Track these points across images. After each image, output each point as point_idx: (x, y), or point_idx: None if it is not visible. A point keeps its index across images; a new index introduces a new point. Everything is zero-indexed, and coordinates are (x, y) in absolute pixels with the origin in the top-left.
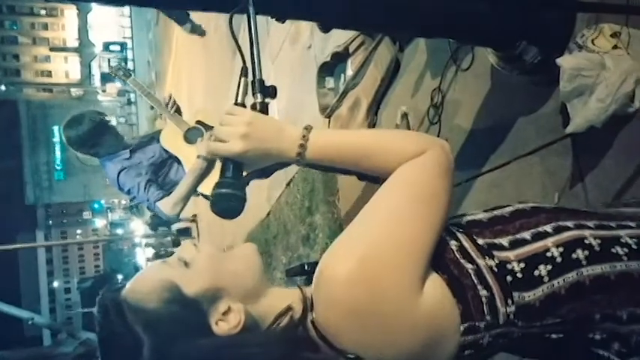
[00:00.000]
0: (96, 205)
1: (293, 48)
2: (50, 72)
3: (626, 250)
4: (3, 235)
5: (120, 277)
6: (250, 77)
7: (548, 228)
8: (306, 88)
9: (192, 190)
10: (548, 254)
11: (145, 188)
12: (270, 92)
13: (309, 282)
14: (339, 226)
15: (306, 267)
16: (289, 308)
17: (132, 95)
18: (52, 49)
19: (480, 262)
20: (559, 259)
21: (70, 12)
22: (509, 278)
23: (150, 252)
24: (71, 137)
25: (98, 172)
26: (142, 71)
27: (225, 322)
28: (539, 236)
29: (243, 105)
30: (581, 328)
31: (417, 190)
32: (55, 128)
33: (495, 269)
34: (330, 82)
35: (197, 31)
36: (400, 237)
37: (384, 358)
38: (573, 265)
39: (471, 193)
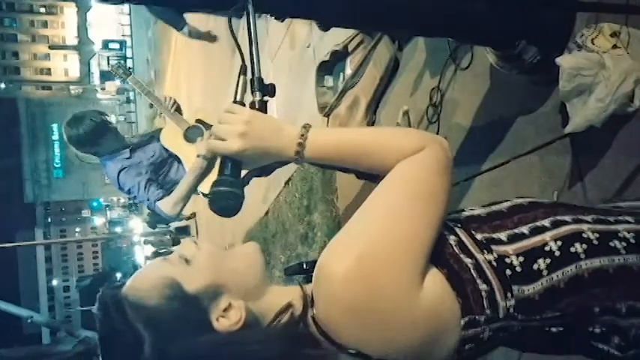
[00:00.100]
0: (95, 203)
1: (292, 47)
2: (49, 70)
3: (624, 244)
4: (2, 233)
5: (119, 275)
6: (249, 75)
7: (546, 222)
8: (304, 87)
9: (193, 190)
10: (547, 248)
11: (145, 188)
12: (269, 90)
13: (308, 281)
14: (338, 225)
15: (304, 266)
16: (290, 305)
17: (131, 93)
18: (51, 47)
19: (479, 256)
20: (557, 253)
21: (70, 10)
22: (508, 272)
23: (149, 250)
24: (72, 136)
25: (97, 170)
26: (141, 69)
27: (226, 319)
28: (537, 230)
29: (242, 103)
30: (580, 322)
31: (416, 187)
32: (54, 126)
33: (494, 263)
34: (328, 80)
35: (197, 35)
36: (398, 234)
37: (385, 353)
38: (572, 259)
39: (470, 192)
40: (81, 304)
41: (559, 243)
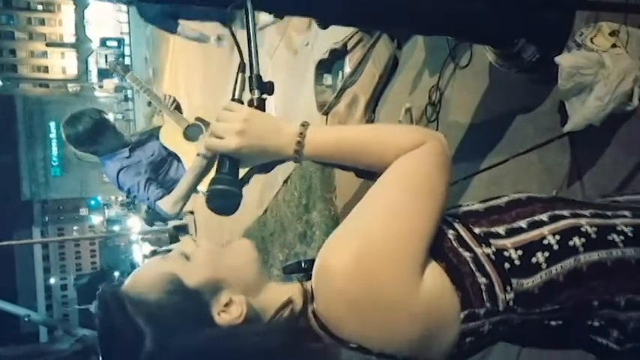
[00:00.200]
0: (93, 202)
1: (290, 46)
2: (47, 67)
3: (622, 237)
4: None
5: (117, 273)
6: (248, 73)
7: (544, 217)
8: (303, 85)
9: (193, 189)
10: (545, 242)
11: (144, 187)
12: (268, 88)
13: (306, 279)
14: (336, 224)
15: (303, 264)
16: (290, 301)
17: (129, 91)
18: (48, 45)
19: (478, 250)
20: (556, 247)
21: (67, 7)
22: (507, 265)
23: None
24: (71, 135)
25: (95, 169)
26: (139, 67)
27: (227, 314)
28: (535, 225)
29: (240, 101)
30: (580, 315)
31: (415, 182)
32: (52, 124)
33: (493, 257)
34: (327, 79)
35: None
36: (397, 230)
37: (385, 347)
38: (570, 252)
39: (469, 190)
40: (78, 303)
41: (557, 237)
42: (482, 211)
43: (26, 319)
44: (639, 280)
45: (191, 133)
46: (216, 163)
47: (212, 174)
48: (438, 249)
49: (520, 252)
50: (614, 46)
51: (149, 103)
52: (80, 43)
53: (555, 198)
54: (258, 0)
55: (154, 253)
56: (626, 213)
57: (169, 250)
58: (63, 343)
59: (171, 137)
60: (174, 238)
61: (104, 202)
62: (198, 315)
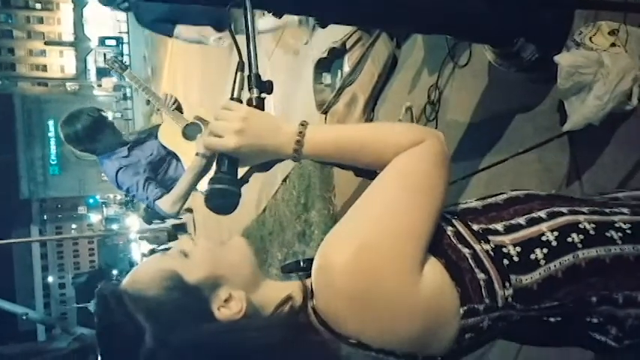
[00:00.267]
0: (91, 200)
1: (289, 45)
2: (45, 66)
3: (620, 234)
4: None
5: (115, 272)
6: (247, 72)
7: (542, 214)
8: (302, 84)
9: (192, 188)
10: (544, 238)
11: (143, 187)
12: (267, 87)
13: (306, 277)
14: (335, 223)
15: (301, 263)
16: (290, 297)
17: (128, 90)
18: (47, 43)
19: (477, 246)
20: (554, 243)
21: (66, 6)
22: (505, 262)
23: (145, 247)
24: (70, 134)
25: (94, 167)
26: (138, 66)
27: (227, 309)
28: (533, 221)
29: (239, 100)
30: (578, 312)
31: (413, 179)
32: (51, 122)
33: (492, 253)
34: (326, 78)
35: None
36: (397, 227)
37: (385, 343)
38: (569, 249)
39: (468, 190)
40: (77, 301)
41: (556, 233)
42: (481, 208)
43: (24, 317)
44: (637, 277)
45: (190, 132)
46: (215, 162)
47: (211, 173)
48: (437, 245)
49: (519, 248)
50: (613, 45)
51: (148, 102)
52: (79, 42)
53: (553, 195)
54: None
55: (152, 251)
56: (625, 210)
57: (168, 249)
58: (61, 342)
59: (171, 136)
60: (172, 237)
61: (103, 200)
62: (198, 310)
